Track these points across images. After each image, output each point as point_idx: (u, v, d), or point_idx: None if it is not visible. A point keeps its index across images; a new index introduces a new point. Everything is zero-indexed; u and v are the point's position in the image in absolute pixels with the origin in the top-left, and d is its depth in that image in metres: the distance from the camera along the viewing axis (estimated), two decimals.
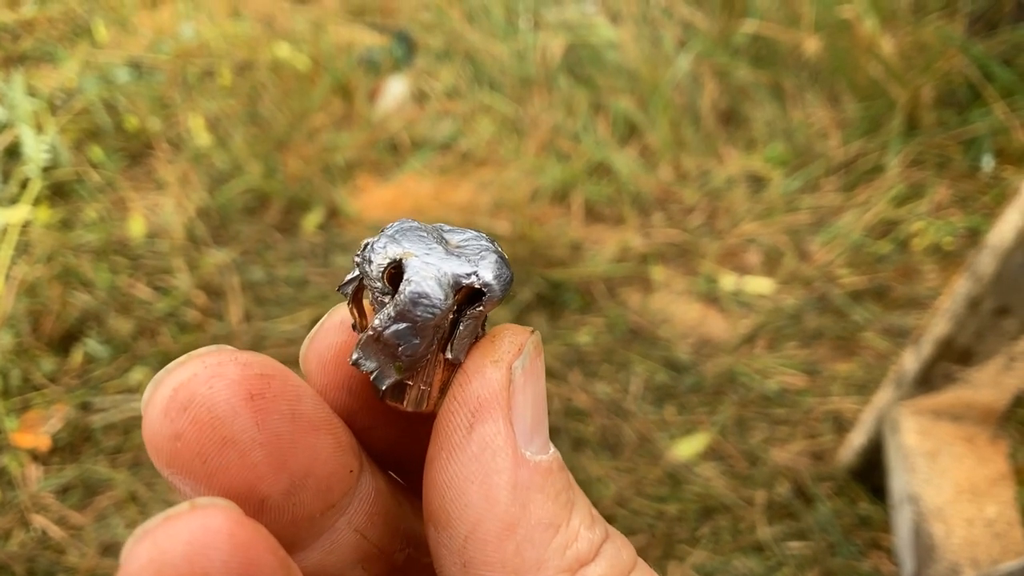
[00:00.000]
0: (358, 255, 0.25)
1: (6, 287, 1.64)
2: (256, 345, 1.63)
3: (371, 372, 0.25)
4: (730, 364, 1.60)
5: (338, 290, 0.26)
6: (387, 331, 0.24)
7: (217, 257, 1.83)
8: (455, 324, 0.25)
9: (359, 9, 2.85)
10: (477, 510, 0.23)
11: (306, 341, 0.27)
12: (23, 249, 1.76)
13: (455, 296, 0.24)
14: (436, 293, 0.24)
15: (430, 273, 0.24)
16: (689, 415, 1.51)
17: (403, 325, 0.24)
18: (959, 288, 1.08)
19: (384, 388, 0.25)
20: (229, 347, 0.23)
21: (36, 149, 1.94)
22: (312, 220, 1.97)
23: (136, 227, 1.89)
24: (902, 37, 2.17)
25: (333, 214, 2.00)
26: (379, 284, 0.25)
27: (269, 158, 2.12)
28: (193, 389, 0.22)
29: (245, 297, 1.74)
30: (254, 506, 0.23)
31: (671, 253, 1.89)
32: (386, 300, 0.24)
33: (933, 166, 2.04)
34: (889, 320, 1.69)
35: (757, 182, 2.10)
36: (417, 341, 0.24)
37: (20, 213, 1.80)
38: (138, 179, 2.10)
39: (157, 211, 1.97)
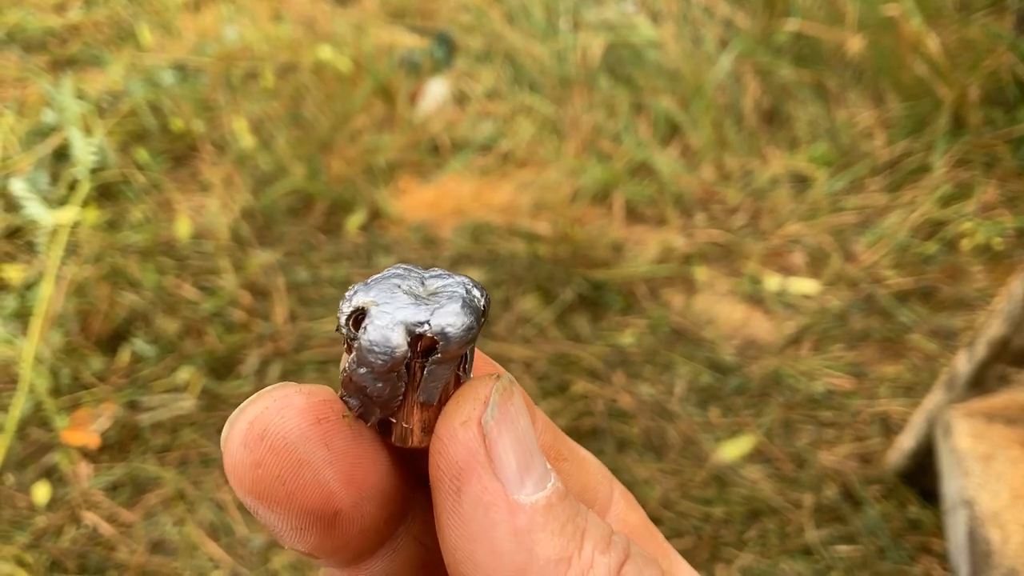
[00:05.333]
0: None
1: (56, 287, 1.67)
2: (301, 345, 1.65)
3: (355, 409, 0.26)
4: (775, 366, 1.59)
5: (336, 330, 0.27)
6: (354, 375, 0.25)
7: (262, 258, 1.85)
8: (423, 368, 0.26)
9: (399, 11, 2.87)
10: (487, 566, 0.24)
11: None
12: (72, 249, 1.79)
13: (411, 345, 0.25)
14: (387, 341, 0.25)
15: (384, 322, 0.25)
16: (734, 417, 1.50)
17: (364, 370, 0.25)
18: (1015, 289, 1.07)
19: (369, 424, 0.26)
20: (292, 382, 0.26)
21: (84, 151, 1.97)
22: (355, 221, 1.98)
23: (182, 228, 1.91)
24: (948, 35, 2.14)
25: (376, 215, 2.01)
26: (346, 331, 0.26)
27: (312, 160, 2.14)
28: (267, 420, 0.24)
29: (290, 297, 1.75)
30: (328, 519, 0.25)
31: (714, 254, 1.88)
32: (354, 345, 0.26)
33: (980, 165, 2.01)
34: (937, 321, 1.67)
35: (801, 182, 2.08)
36: (380, 385, 0.25)
37: (69, 214, 1.83)
38: (183, 180, 2.13)
39: (202, 212, 1.99)
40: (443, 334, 0.25)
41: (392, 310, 0.25)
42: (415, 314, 0.25)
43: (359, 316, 0.26)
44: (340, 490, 0.25)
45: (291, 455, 0.24)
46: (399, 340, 0.25)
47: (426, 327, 0.25)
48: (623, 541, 0.25)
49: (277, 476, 0.24)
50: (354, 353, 0.25)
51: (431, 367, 0.26)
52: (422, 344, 0.25)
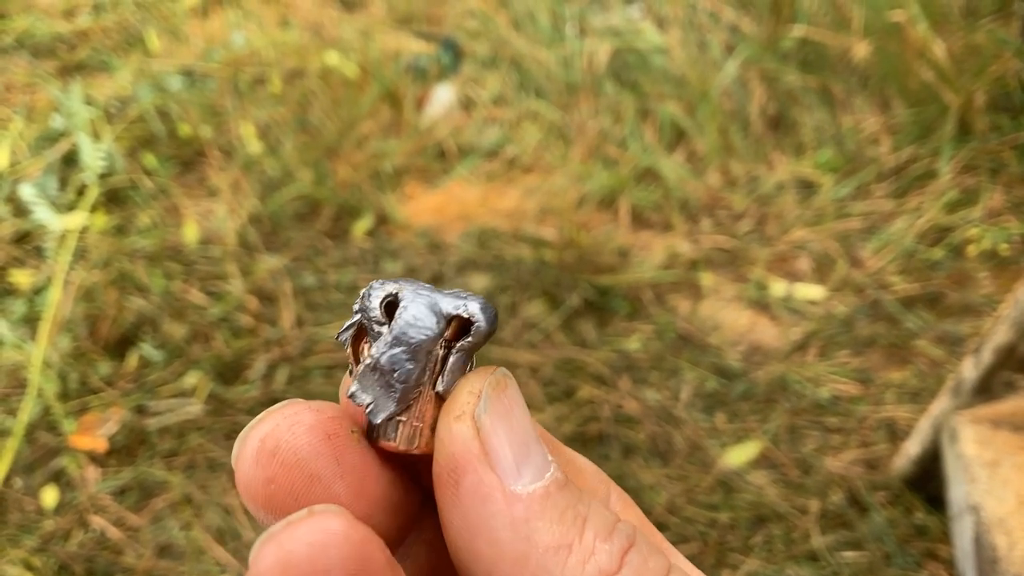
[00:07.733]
0: (357, 301, 0.28)
1: (64, 292, 1.67)
2: (307, 350, 1.65)
3: (367, 405, 0.27)
4: (781, 372, 1.59)
5: (337, 338, 0.28)
6: (384, 356, 0.27)
7: (269, 263, 1.85)
8: (445, 359, 0.27)
9: (406, 17, 2.87)
10: (487, 557, 0.24)
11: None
12: (80, 254, 1.80)
13: (446, 326, 0.27)
14: (428, 317, 0.27)
15: (423, 302, 0.27)
16: (740, 423, 1.51)
17: (398, 349, 0.27)
18: (1022, 295, 1.07)
19: (379, 423, 0.27)
20: (300, 399, 0.27)
21: (93, 156, 1.98)
22: (361, 226, 1.99)
23: (190, 233, 1.92)
24: (954, 41, 2.14)
25: (382, 221, 2.02)
26: (377, 314, 0.27)
27: (319, 165, 2.14)
28: (278, 437, 0.25)
29: (297, 302, 1.76)
30: None
31: (720, 259, 1.88)
32: (383, 331, 0.27)
33: (987, 171, 2.01)
34: (943, 327, 1.66)
35: (807, 188, 2.08)
36: (411, 366, 0.27)
37: (78, 219, 1.84)
38: (191, 186, 2.14)
39: (210, 217, 2.00)
40: (479, 316, 0.27)
41: (427, 293, 0.27)
42: (449, 300, 0.27)
43: (391, 302, 0.27)
44: (351, 503, 0.26)
45: (303, 470, 0.25)
46: (438, 317, 0.27)
47: (462, 310, 0.27)
48: (627, 529, 0.25)
49: (289, 491, 0.25)
50: (390, 334, 0.27)
51: (457, 354, 0.27)
52: (449, 333, 0.27)
